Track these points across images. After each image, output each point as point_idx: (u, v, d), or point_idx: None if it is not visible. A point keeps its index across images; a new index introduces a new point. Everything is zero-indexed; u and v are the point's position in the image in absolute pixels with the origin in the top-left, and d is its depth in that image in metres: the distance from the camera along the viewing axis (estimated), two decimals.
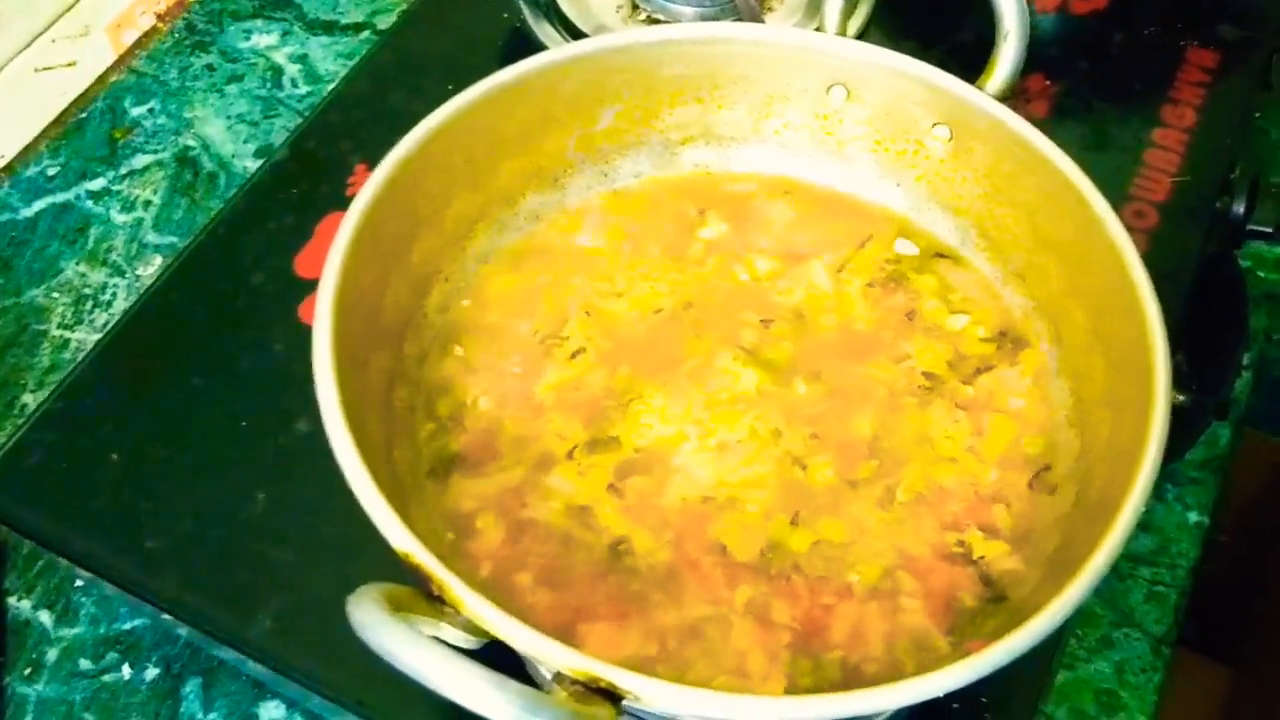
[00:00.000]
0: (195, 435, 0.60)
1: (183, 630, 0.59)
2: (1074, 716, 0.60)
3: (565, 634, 0.46)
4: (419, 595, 0.39)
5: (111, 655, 0.61)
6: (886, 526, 0.49)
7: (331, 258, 0.46)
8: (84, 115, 0.81)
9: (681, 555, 0.48)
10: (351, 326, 0.46)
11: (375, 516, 0.40)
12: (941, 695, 0.38)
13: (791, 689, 0.44)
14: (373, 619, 0.36)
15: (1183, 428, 0.44)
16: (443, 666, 0.35)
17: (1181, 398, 0.45)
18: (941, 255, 0.57)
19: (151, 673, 0.60)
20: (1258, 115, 0.75)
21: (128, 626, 0.62)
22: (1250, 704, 0.99)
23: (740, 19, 0.67)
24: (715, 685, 0.44)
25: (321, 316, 0.45)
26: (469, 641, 0.40)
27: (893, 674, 0.45)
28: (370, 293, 0.49)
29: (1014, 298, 0.55)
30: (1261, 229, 0.67)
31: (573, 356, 0.54)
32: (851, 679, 0.45)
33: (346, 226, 0.47)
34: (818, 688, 0.45)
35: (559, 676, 0.38)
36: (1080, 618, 0.62)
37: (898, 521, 0.49)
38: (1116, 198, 0.50)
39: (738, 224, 0.58)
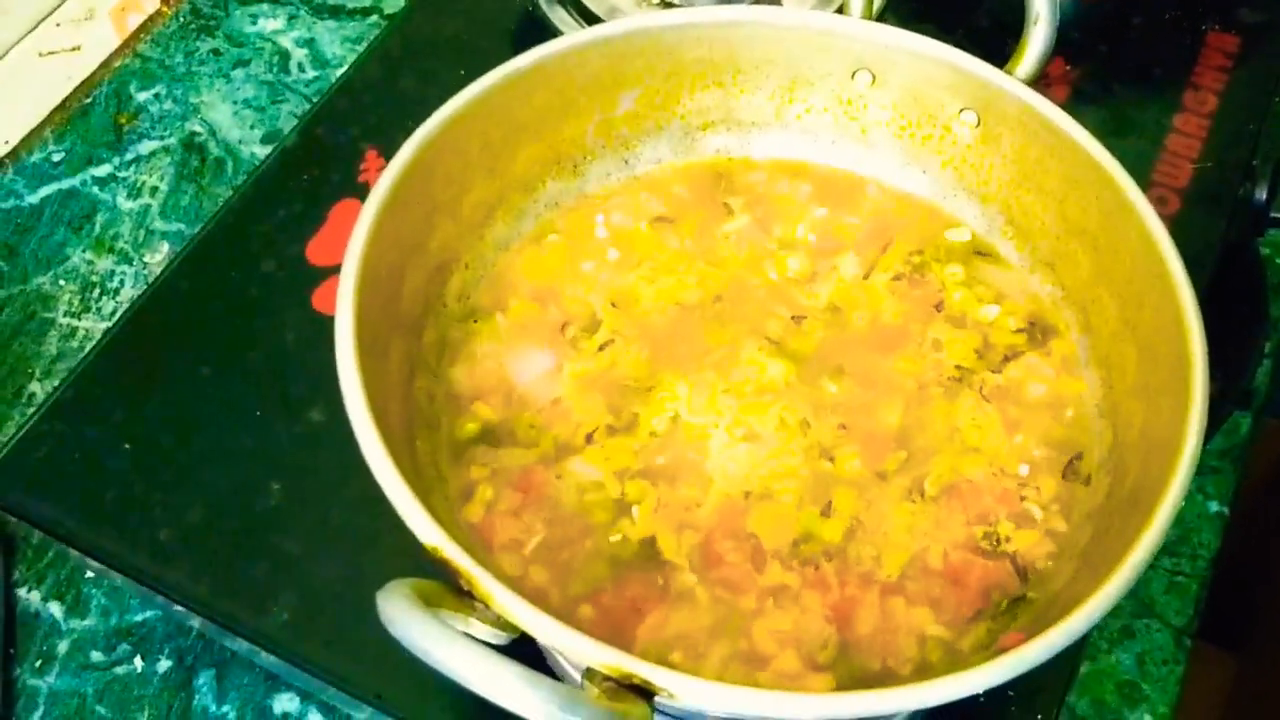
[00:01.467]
0: (207, 425, 0.59)
1: (195, 622, 0.59)
2: (1096, 708, 0.59)
3: (595, 627, 0.45)
4: (447, 590, 0.39)
5: (123, 647, 0.60)
6: (915, 518, 0.48)
7: (352, 246, 0.46)
8: (89, 100, 0.80)
9: (713, 547, 0.48)
10: (372, 315, 0.46)
11: (402, 510, 0.40)
12: (980, 694, 0.38)
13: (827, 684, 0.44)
14: (404, 615, 0.36)
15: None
16: (477, 664, 0.35)
17: None
18: (974, 249, 0.56)
19: (164, 664, 0.60)
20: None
21: (139, 618, 0.61)
22: (1256, 691, 0.99)
23: (760, 1, 0.66)
24: (757, 681, 0.44)
25: (344, 306, 0.44)
26: (498, 637, 0.39)
27: (924, 667, 0.45)
28: (389, 281, 0.48)
29: (1043, 286, 0.54)
30: None
31: (600, 348, 0.53)
32: (884, 673, 0.44)
33: (366, 215, 0.46)
34: (851, 682, 0.44)
35: (590, 673, 0.38)
36: None
37: (927, 513, 0.48)
38: (1138, 183, 0.49)
39: (761, 212, 0.57)
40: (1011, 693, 0.52)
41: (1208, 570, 0.64)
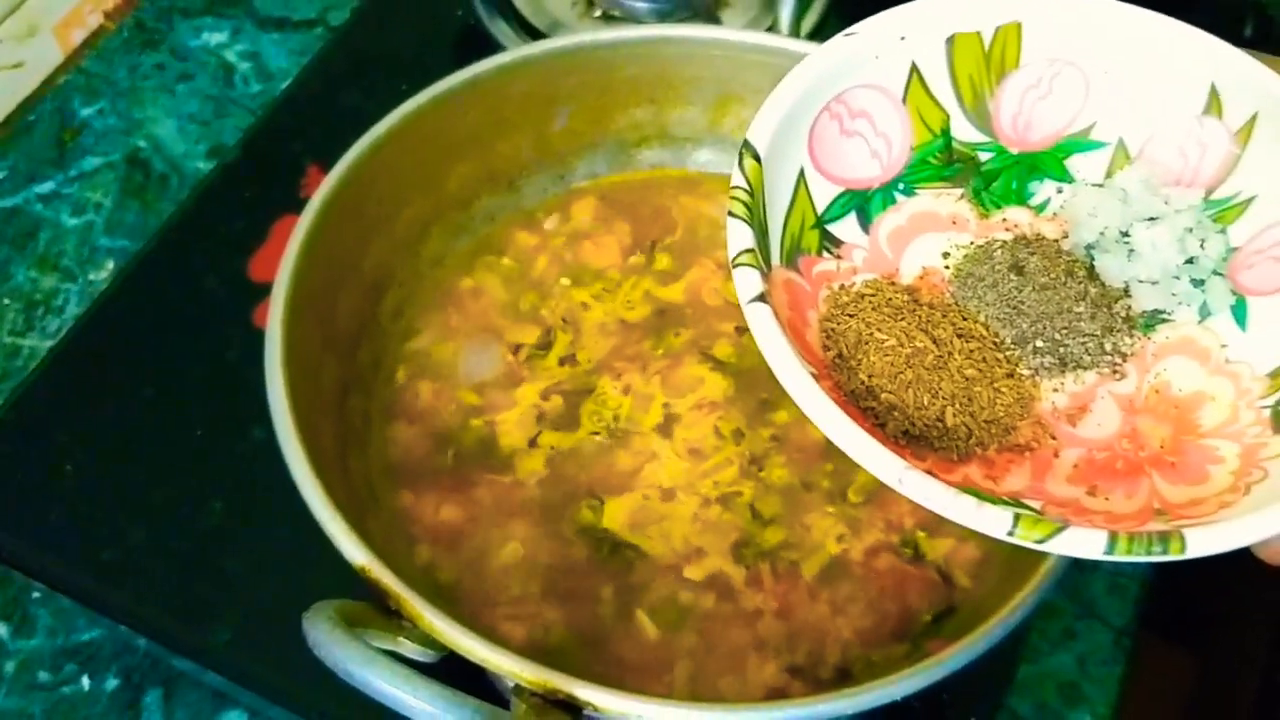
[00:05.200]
0: (150, 444, 0.59)
1: (142, 640, 0.59)
2: (1037, 710, 0.60)
3: (541, 640, 0.46)
4: (375, 610, 0.39)
5: (70, 666, 0.60)
6: (837, 524, 0.50)
7: (283, 267, 0.46)
8: (32, 117, 0.79)
9: (652, 554, 0.49)
10: (304, 334, 0.46)
11: (330, 531, 0.40)
12: (900, 699, 0.38)
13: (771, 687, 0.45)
14: (327, 637, 0.36)
15: None
16: (399, 684, 0.35)
17: None
18: None
19: (111, 683, 0.59)
20: None
21: (86, 637, 0.61)
22: (1215, 690, 1.00)
23: (695, 15, 0.67)
24: (719, 690, 0.45)
25: (273, 326, 0.45)
26: (427, 655, 0.40)
27: (847, 673, 0.46)
28: (323, 300, 0.49)
29: None
30: None
31: (559, 363, 0.54)
32: (813, 679, 0.45)
33: (297, 235, 0.47)
34: (785, 688, 0.45)
35: (518, 689, 0.38)
36: (1042, 610, 0.62)
37: (850, 521, 0.50)
38: None
39: (697, 226, 0.58)
40: (945, 696, 0.53)
41: (1148, 570, 0.65)
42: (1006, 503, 0.37)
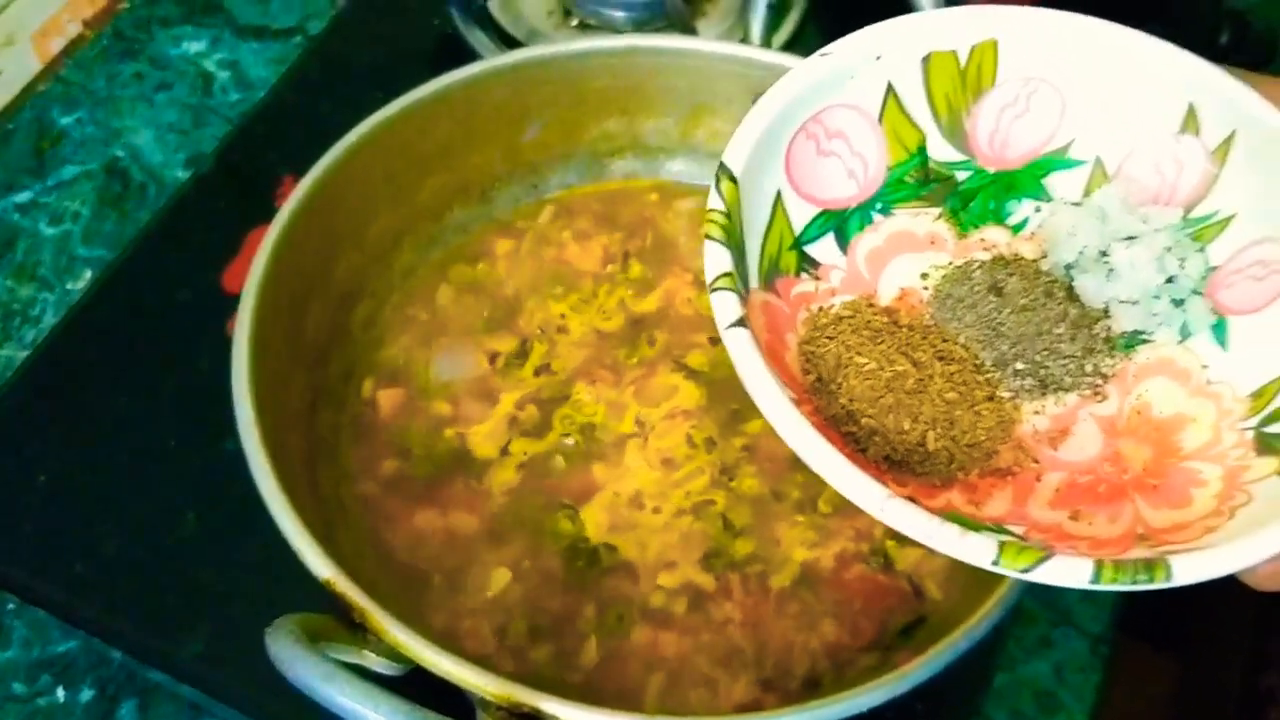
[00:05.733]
0: (123, 455, 0.59)
1: (117, 652, 0.59)
2: (1013, 718, 0.60)
3: (511, 651, 0.46)
4: (339, 623, 0.39)
5: (45, 678, 0.60)
6: (807, 534, 0.50)
7: (250, 279, 0.46)
8: (10, 127, 0.79)
9: (624, 564, 0.49)
10: (272, 345, 0.46)
11: (294, 544, 0.40)
12: (867, 711, 0.38)
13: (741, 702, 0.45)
14: (289, 652, 0.36)
15: None
16: (360, 700, 0.35)
17: None
18: None
19: (86, 695, 0.59)
20: None
21: (61, 649, 0.61)
22: (1198, 693, 1.00)
23: (671, 26, 0.67)
24: (688, 704, 0.45)
25: (240, 338, 0.45)
26: (393, 668, 0.40)
27: (815, 684, 0.46)
28: (291, 311, 0.49)
29: None
30: None
31: (534, 373, 0.54)
32: (783, 691, 0.45)
33: (265, 246, 0.47)
34: (758, 702, 0.45)
35: (483, 703, 0.38)
36: (1018, 618, 0.62)
37: (819, 530, 0.50)
38: None
39: (671, 236, 0.58)
40: (920, 706, 0.53)
41: None
42: (990, 529, 0.37)
